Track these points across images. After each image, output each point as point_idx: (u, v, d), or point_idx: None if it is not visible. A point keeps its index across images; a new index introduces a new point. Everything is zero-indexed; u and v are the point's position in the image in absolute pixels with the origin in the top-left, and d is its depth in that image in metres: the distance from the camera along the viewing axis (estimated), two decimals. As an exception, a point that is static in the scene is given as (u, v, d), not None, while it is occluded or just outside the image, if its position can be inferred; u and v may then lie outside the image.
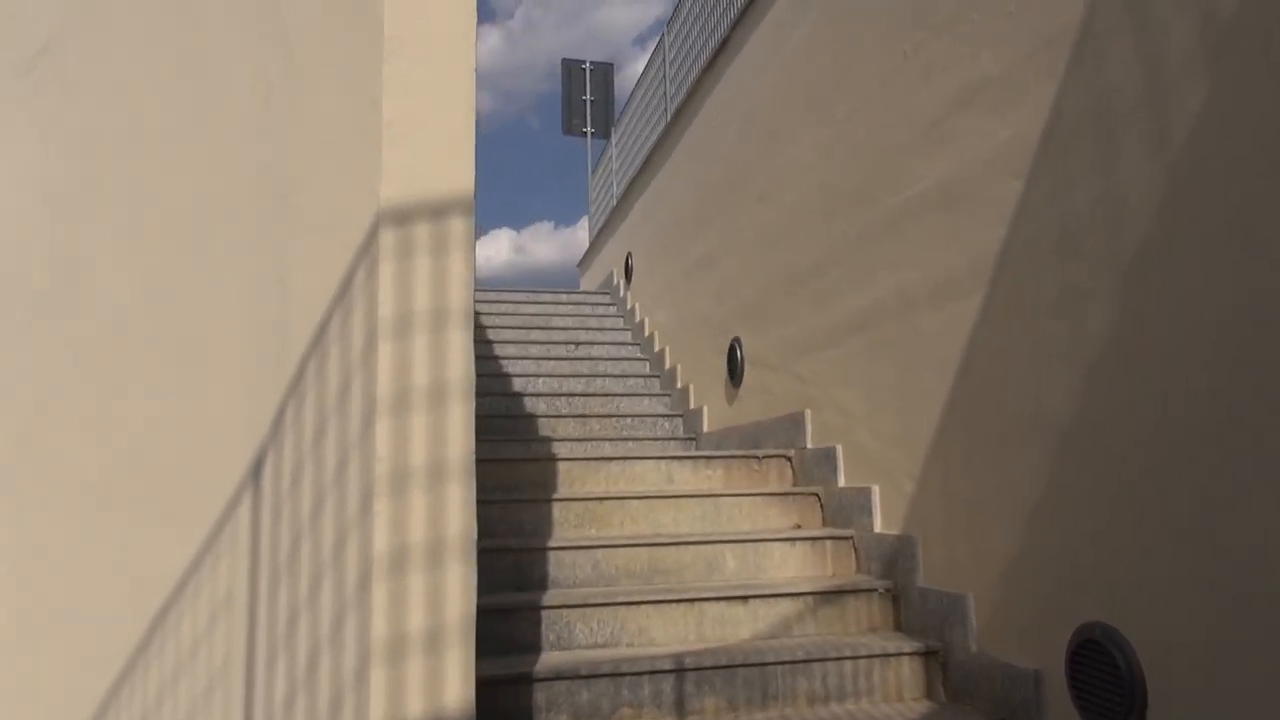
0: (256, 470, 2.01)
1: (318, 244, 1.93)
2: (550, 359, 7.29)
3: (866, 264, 3.84)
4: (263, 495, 1.98)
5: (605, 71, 11.99)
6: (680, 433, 6.26)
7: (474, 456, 1.73)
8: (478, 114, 1.86)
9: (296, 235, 2.00)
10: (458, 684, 1.65)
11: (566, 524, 3.88)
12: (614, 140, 10.00)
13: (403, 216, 1.77)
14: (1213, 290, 2.18)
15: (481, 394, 6.37)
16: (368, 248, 1.79)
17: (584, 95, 11.99)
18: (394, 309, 1.74)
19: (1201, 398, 2.20)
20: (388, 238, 1.76)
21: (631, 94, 9.08)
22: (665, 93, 7.52)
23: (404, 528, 1.67)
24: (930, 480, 3.36)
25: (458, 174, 1.81)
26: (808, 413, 4.40)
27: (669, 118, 7.18)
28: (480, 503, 3.78)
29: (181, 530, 2.17)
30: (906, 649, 3.21)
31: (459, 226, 1.80)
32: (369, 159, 1.81)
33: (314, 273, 1.91)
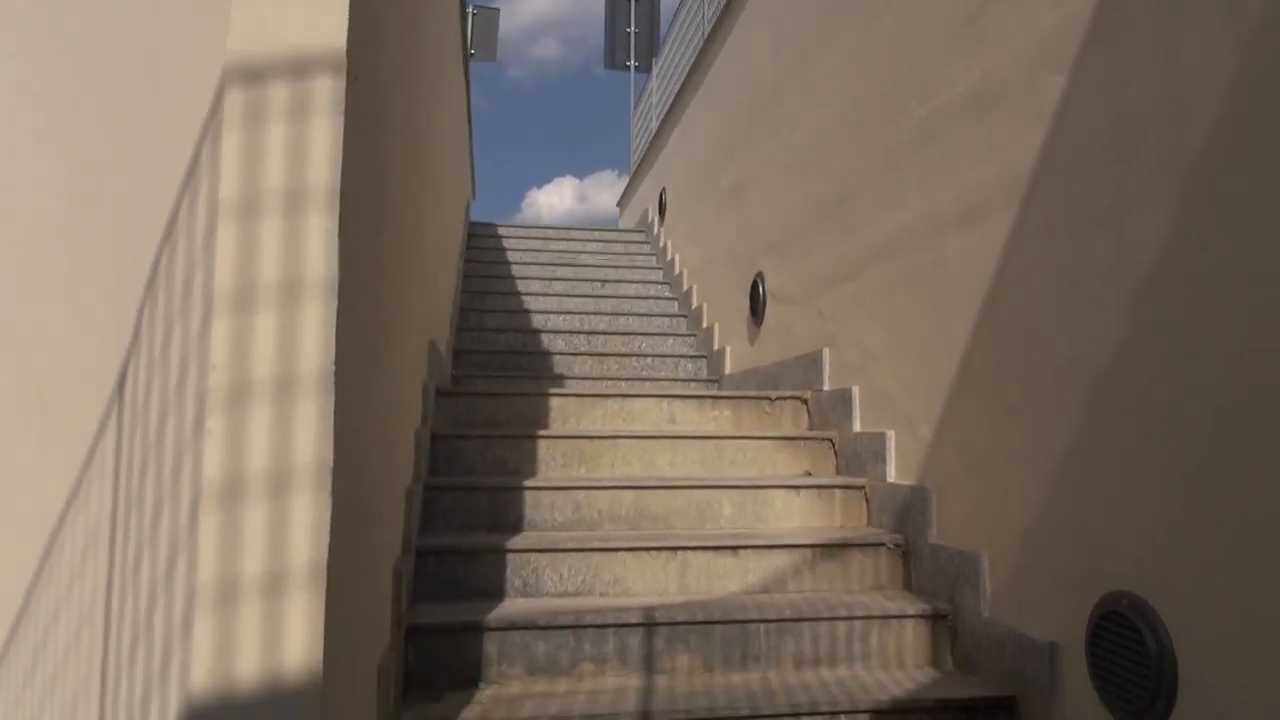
0: (121, 385, 1.74)
1: (172, 119, 1.63)
2: (574, 296, 6.98)
3: (893, 186, 3.41)
4: (125, 413, 1.71)
5: (650, 1, 11.44)
6: (704, 374, 5.92)
7: (333, 369, 1.41)
8: None
9: (154, 111, 1.70)
10: (302, 639, 1.37)
11: (552, 463, 3.59)
12: (655, 72, 9.52)
13: (252, 75, 1.45)
14: (1284, 190, 1.75)
15: (496, 330, 6.17)
16: (214, 115, 1.48)
17: (628, 27, 11.48)
18: (238, 188, 1.43)
19: (1271, 331, 1.78)
20: (234, 101, 1.45)
21: (672, 20, 8.58)
22: (703, 15, 7.03)
23: (241, 450, 1.38)
24: (949, 427, 2.97)
25: (326, 23, 1.48)
26: (826, 352, 4.01)
27: (704, 40, 6.71)
28: (459, 438, 3.57)
29: (69, 450, 1.93)
30: (911, 611, 2.86)
31: (325, 88, 1.47)
32: (221, 7, 1.48)
33: (169, 154, 1.61)
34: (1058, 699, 2.38)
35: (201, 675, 1.35)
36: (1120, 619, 2.12)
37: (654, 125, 8.83)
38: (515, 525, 3.23)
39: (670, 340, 6.33)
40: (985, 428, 2.74)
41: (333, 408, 1.42)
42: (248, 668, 1.36)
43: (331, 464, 1.41)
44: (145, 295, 1.64)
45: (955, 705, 2.54)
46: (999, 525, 2.65)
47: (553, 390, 4.01)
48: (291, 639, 1.38)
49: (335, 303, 1.44)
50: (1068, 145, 2.41)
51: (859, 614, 2.82)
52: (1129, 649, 2.08)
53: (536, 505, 3.27)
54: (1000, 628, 2.62)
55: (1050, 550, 2.42)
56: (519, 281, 7.16)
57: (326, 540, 1.40)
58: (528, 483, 3.29)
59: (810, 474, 3.74)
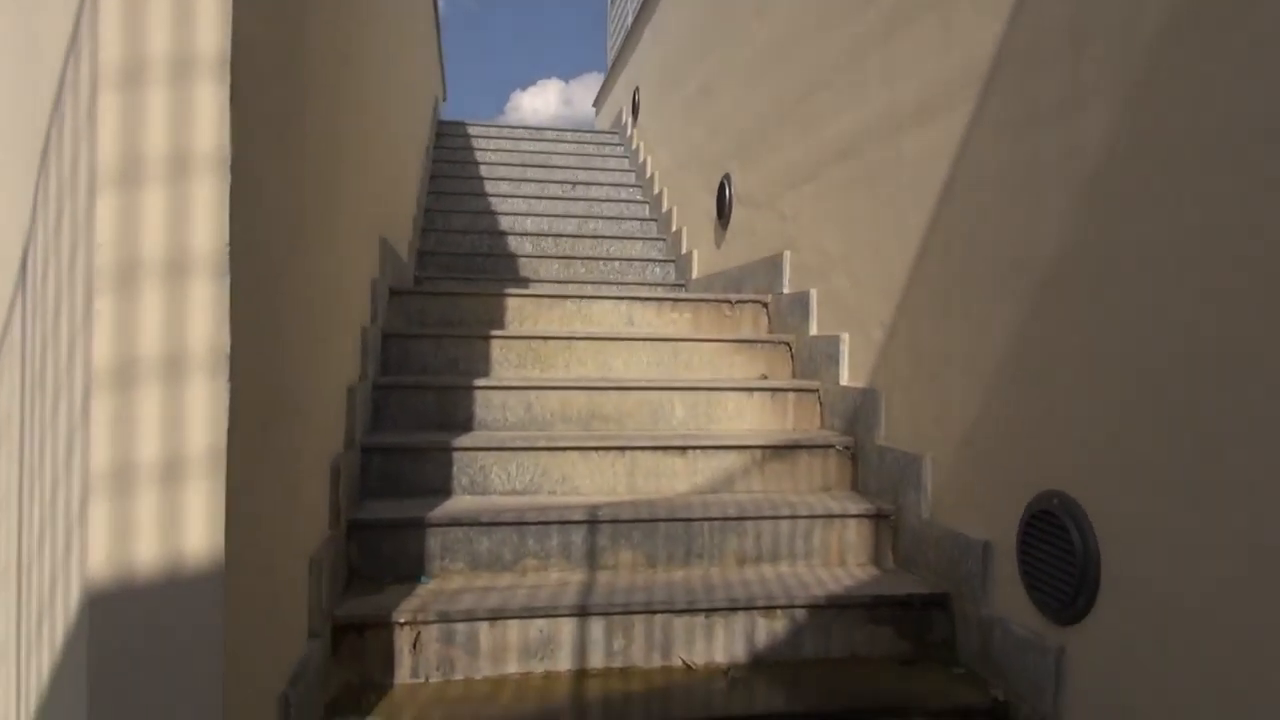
0: (23, 266, 1.67)
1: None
2: (544, 198, 6.85)
3: (857, 81, 3.30)
4: (28, 295, 1.64)
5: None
6: (671, 278, 5.86)
7: (228, 250, 1.35)
8: None
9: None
10: (203, 526, 1.35)
11: (506, 364, 3.56)
12: (632, -38, 9.14)
13: (132, -75, 1.34)
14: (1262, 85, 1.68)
15: (463, 232, 6.05)
16: (95, -29, 1.37)
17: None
18: (120, 52, 1.34)
19: (1215, 231, 1.74)
20: (112, -47, 1.34)
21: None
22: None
23: (132, 333, 1.33)
24: (900, 329, 2.94)
25: None
26: (787, 254, 3.95)
27: (678, -72, 6.41)
28: (411, 337, 3.51)
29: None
30: (854, 510, 2.88)
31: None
32: None
33: (58, 16, 1.50)
34: (989, 595, 2.42)
35: (99, 560, 1.33)
36: (1050, 518, 2.13)
37: (629, 21, 8.53)
38: (465, 425, 3.22)
39: (639, 244, 6.24)
40: (933, 330, 2.71)
41: (228, 291, 1.36)
42: (146, 554, 1.34)
43: (228, 349, 1.36)
44: (40, 171, 1.56)
45: (891, 602, 2.58)
46: (942, 427, 2.65)
47: (509, 290, 3.94)
48: (191, 526, 1.35)
49: (229, 179, 1.37)
50: (1022, 34, 2.32)
51: (802, 513, 2.85)
52: (1056, 547, 2.10)
53: (487, 405, 3.25)
54: (939, 527, 2.65)
55: (988, 452, 2.43)
56: (488, 183, 7.00)
57: (224, 428, 1.36)
58: (479, 382, 3.26)
59: (766, 377, 3.73)
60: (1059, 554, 2.09)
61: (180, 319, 1.35)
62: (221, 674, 1.36)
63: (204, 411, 1.35)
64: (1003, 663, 2.32)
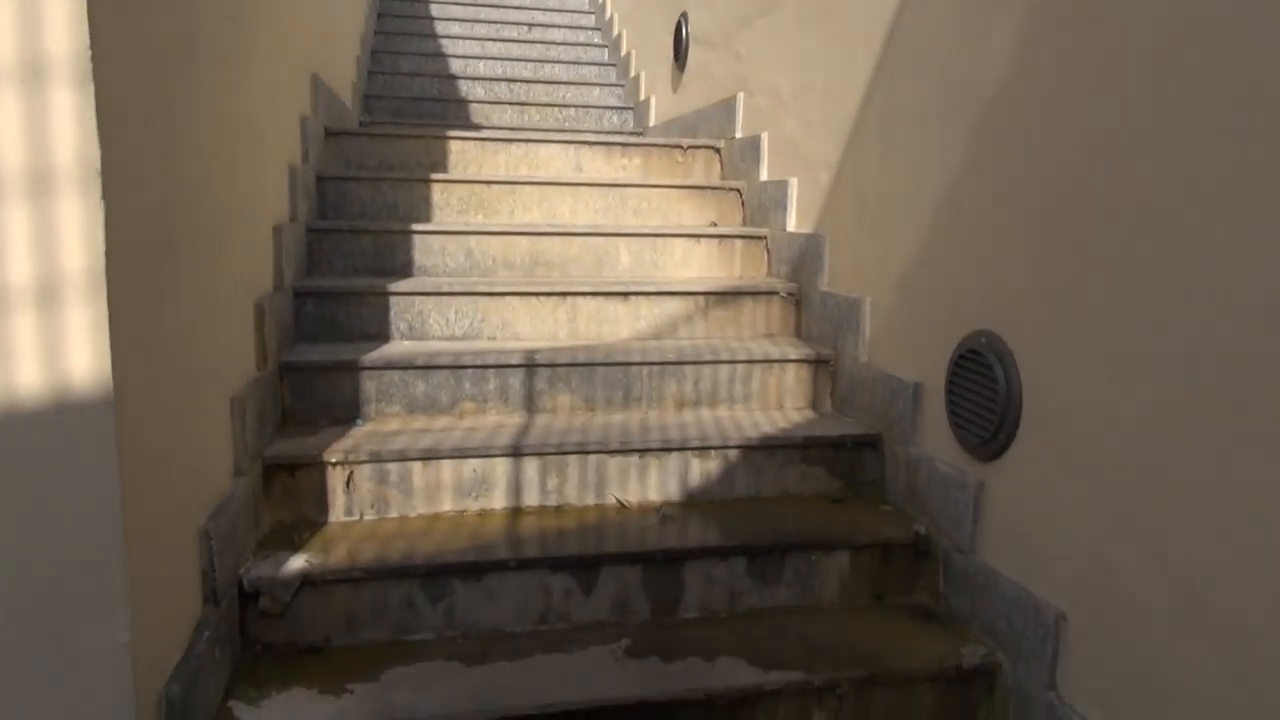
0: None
1: None
2: (498, 40, 6.52)
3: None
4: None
5: None
6: (630, 126, 5.68)
7: (89, 53, 1.25)
8: None
9: None
10: (87, 351, 1.30)
11: (447, 209, 3.45)
12: None
13: None
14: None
15: (411, 75, 5.77)
16: None
17: None
18: None
19: (1160, 71, 1.66)
20: None
21: None
22: None
23: (-10, 145, 1.23)
24: (846, 171, 2.87)
25: None
26: (740, 97, 3.81)
27: None
28: (348, 180, 3.39)
29: None
30: (794, 355, 2.89)
31: None
32: None
33: None
34: (917, 435, 2.46)
35: (-22, 387, 1.28)
36: (977, 357, 2.14)
37: None
38: (403, 270, 3.15)
39: (597, 90, 6.00)
40: (876, 172, 2.64)
41: (93, 99, 1.26)
42: (28, 380, 1.30)
43: (99, 164, 1.28)
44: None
45: (823, 443, 2.62)
46: (881, 270, 2.63)
47: (452, 133, 3.78)
48: (75, 352, 1.31)
49: (91, -22, 1.25)
50: None
51: (742, 358, 2.85)
52: (981, 385, 2.12)
53: (426, 250, 3.17)
54: (874, 370, 2.66)
55: (923, 294, 2.41)
56: (439, 24, 6.64)
57: (102, 249, 1.29)
58: (418, 227, 3.17)
59: (716, 224, 3.66)
60: (983, 392, 2.11)
61: (42, 130, 1.26)
62: (118, 501, 1.35)
63: (78, 230, 1.28)
64: (927, 499, 2.38)
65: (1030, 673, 1.97)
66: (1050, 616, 1.90)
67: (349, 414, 2.61)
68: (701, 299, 3.10)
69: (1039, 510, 1.97)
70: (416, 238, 3.15)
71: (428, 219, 3.42)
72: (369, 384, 2.61)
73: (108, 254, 1.30)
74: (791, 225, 3.26)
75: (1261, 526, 1.43)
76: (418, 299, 2.90)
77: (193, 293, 1.76)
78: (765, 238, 3.42)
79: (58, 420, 1.31)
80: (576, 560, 2.19)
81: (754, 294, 3.15)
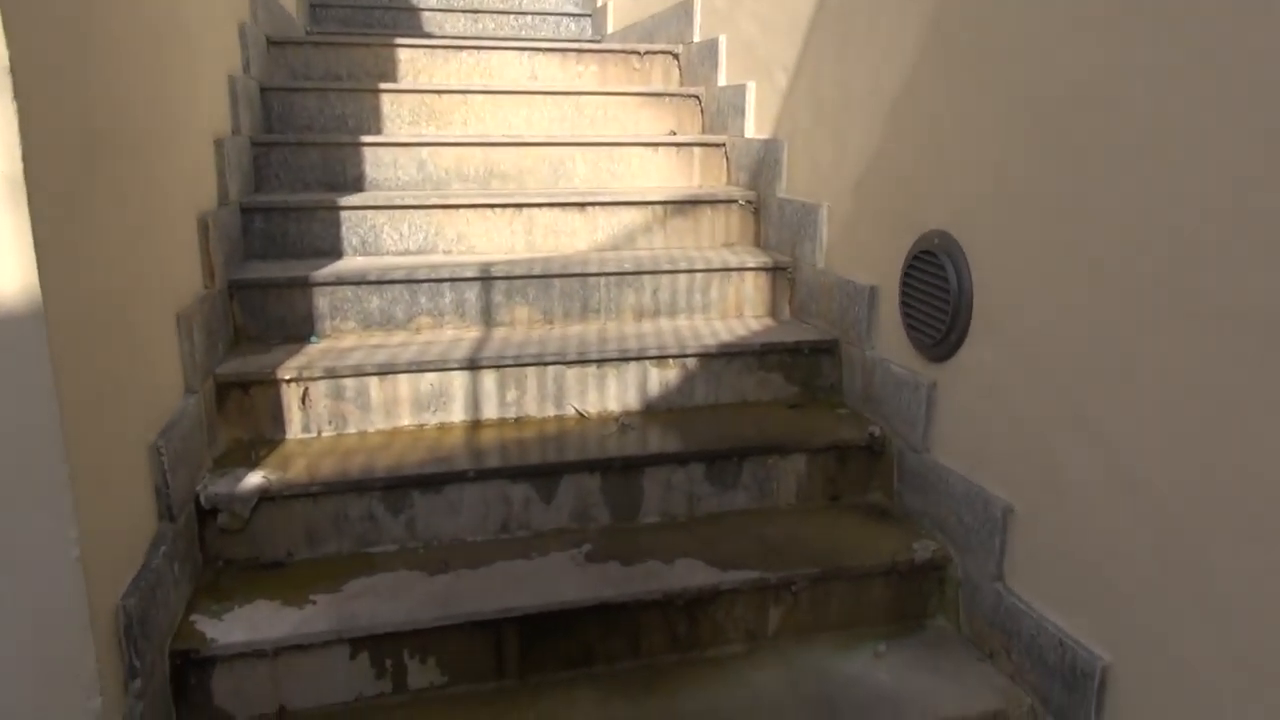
0: None
1: None
2: (449, -57, 6.25)
3: None
4: None
5: None
6: (588, 34, 5.52)
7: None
8: None
9: None
10: (11, 259, 1.26)
11: (398, 120, 3.36)
12: None
13: None
14: None
15: (358, -20, 5.52)
16: None
17: None
18: None
19: (1098, -70, 1.62)
20: None
21: None
22: None
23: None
24: (803, 72, 2.81)
25: None
26: (698, -1, 3.71)
27: None
28: (295, 91, 3.27)
29: None
30: (752, 264, 2.88)
31: None
32: None
33: None
34: (872, 338, 2.47)
35: (-101, 301, 1.24)
36: (930, 258, 2.14)
37: None
38: (354, 184, 3.07)
39: (553, -3, 5.81)
40: (834, 73, 2.59)
41: (3, -2, 1.19)
42: (-49, 293, 1.25)
43: (8, 63, 1.21)
44: None
45: (781, 349, 2.63)
46: (838, 174, 2.60)
47: (401, 41, 3.65)
48: (2, 258, 1.26)
49: None
50: None
51: (700, 267, 2.83)
52: (934, 285, 2.13)
53: (377, 163, 3.09)
54: (831, 276, 2.66)
55: (879, 196, 2.40)
56: (386, -73, 6.34)
57: (18, 152, 1.24)
58: (367, 139, 3.08)
59: (674, 133, 3.59)
60: (936, 293, 2.12)
61: (-56, 29, 1.19)
62: (57, 415, 1.32)
63: (-8, 136, 1.23)
64: (882, 401, 2.41)
65: (978, 565, 2.03)
66: (998, 510, 1.95)
67: (303, 331, 2.57)
68: (660, 209, 3.06)
69: (988, 407, 2.00)
70: (367, 150, 3.07)
71: (378, 131, 3.32)
72: (322, 300, 2.57)
73: (25, 157, 1.25)
74: (750, 131, 3.21)
75: (1197, 413, 1.46)
76: (370, 213, 2.84)
77: (127, 205, 1.71)
78: (724, 145, 3.37)
79: (-13, 334, 1.28)
80: (536, 470, 2.21)
81: (713, 203, 3.12)
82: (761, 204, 3.10)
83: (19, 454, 1.32)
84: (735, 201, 3.12)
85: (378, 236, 2.85)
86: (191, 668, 1.75)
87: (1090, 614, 1.73)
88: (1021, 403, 1.89)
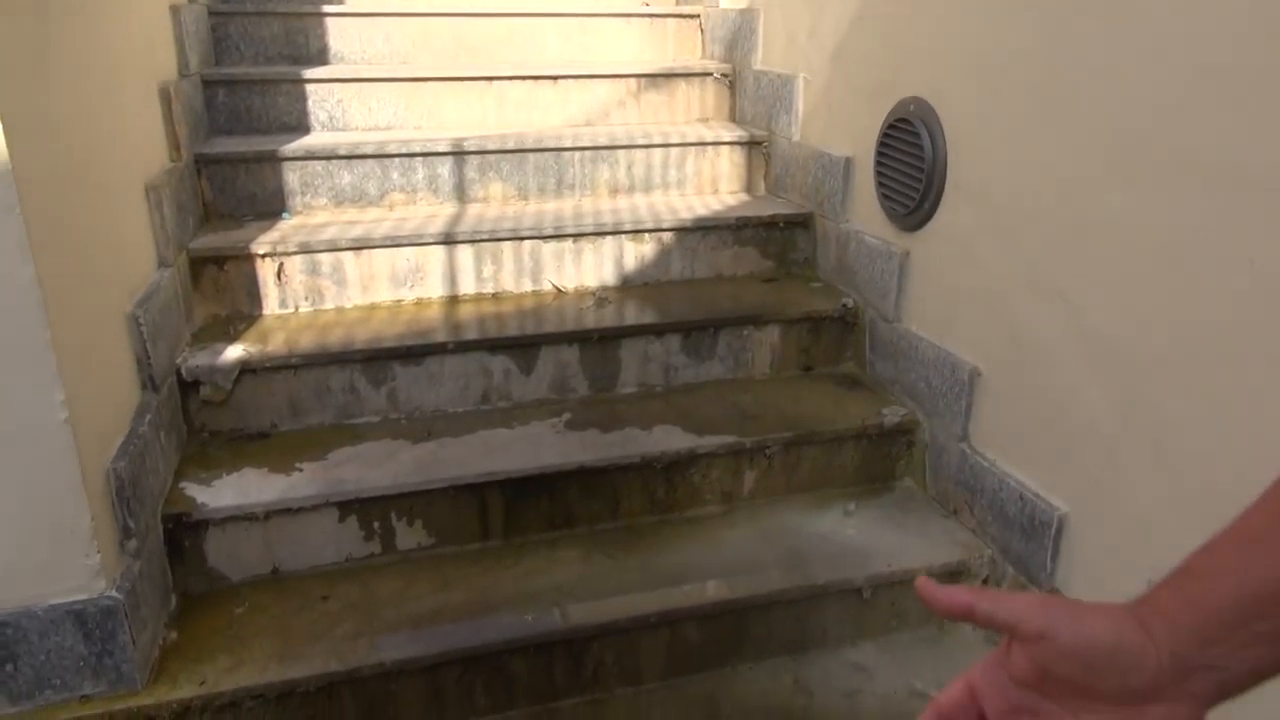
0: None
1: None
2: None
3: None
4: None
5: None
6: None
7: None
8: None
9: None
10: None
11: (361, -9, 3.23)
12: None
13: None
14: None
15: None
16: None
17: None
18: None
19: None
20: None
21: None
22: None
23: None
24: (782, -63, 2.73)
25: None
26: None
27: None
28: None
29: None
30: (727, 138, 2.85)
31: None
32: None
33: None
34: (847, 210, 2.49)
35: None
36: (905, 125, 2.14)
37: None
38: (318, 57, 2.98)
39: None
40: (814, -65, 2.52)
41: None
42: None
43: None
44: None
45: (756, 223, 2.64)
46: (815, 44, 2.56)
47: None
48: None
49: None
50: None
51: (675, 141, 2.81)
52: (909, 153, 2.13)
53: (342, 35, 2.99)
54: (806, 148, 2.65)
55: (855, 65, 2.37)
56: None
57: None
58: (330, 9, 2.97)
59: (649, 4, 3.49)
60: (911, 161, 2.13)
61: None
62: (32, 275, 1.32)
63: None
64: (856, 272, 2.44)
65: (945, 427, 2.11)
66: (965, 373, 2.02)
67: (274, 208, 2.54)
68: (633, 82, 3.01)
69: (959, 274, 2.04)
70: (330, 21, 2.97)
71: (341, 0, 3.20)
72: (292, 176, 2.53)
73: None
74: (725, 2, 3.13)
75: (1157, 272, 1.50)
76: (336, 86, 2.77)
77: (87, 69, 1.66)
78: (699, 17, 3.29)
79: (-44, 195, 1.26)
80: (515, 341, 2.23)
81: (687, 76, 3.06)
82: (737, 77, 3.05)
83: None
84: (710, 75, 3.07)
85: (345, 111, 2.79)
86: (185, 531, 1.80)
87: (1049, 469, 1.82)
88: (991, 268, 1.93)
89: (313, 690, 1.63)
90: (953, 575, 1.97)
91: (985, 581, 1.98)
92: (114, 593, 1.51)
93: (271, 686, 1.60)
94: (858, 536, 2.05)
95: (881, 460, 2.23)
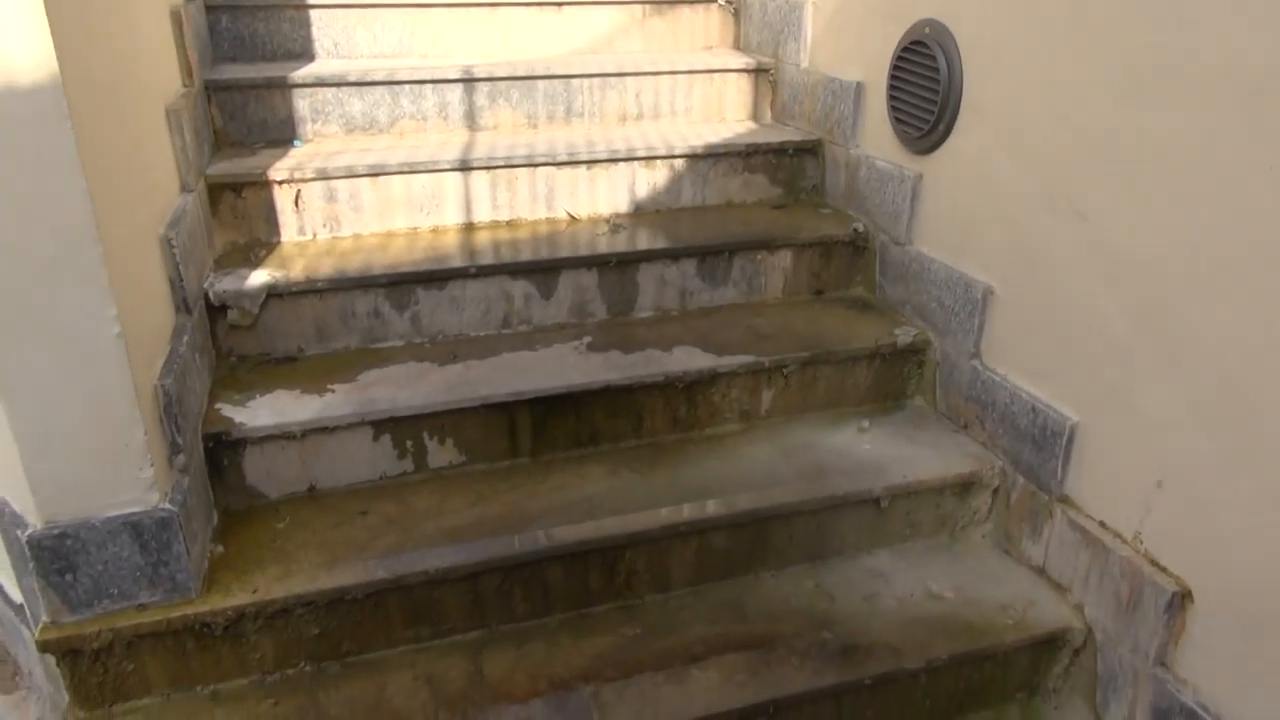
0: None
1: None
2: None
3: None
4: None
5: None
6: None
7: None
8: None
9: None
10: (28, 34, 1.23)
11: (358, -85, 3.17)
12: None
13: None
14: None
15: None
16: None
17: None
18: None
19: None
20: None
21: None
22: None
23: None
24: None
25: None
26: None
27: None
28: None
29: None
30: (734, 65, 2.86)
31: None
32: None
33: None
34: (857, 136, 2.52)
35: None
36: (920, 48, 2.16)
37: None
38: (320, -17, 2.93)
39: None
40: None
41: None
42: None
43: None
44: None
45: (766, 150, 2.67)
46: (826, -32, 2.56)
47: None
48: (13, 33, 1.23)
49: None
50: None
51: (682, 69, 2.81)
52: (924, 76, 2.16)
53: (343, -40, 2.94)
54: (816, 75, 2.66)
55: (870, -12, 2.38)
56: None
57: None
58: (329, -66, 2.91)
59: (648, -69, 3.45)
60: (925, 84, 2.15)
61: None
62: (84, 190, 1.33)
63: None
64: (866, 197, 2.48)
65: (957, 345, 2.17)
66: (979, 292, 2.07)
67: (285, 135, 2.53)
68: (638, 9, 3.00)
69: (973, 195, 2.08)
70: (330, -54, 2.91)
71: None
72: (302, 103, 2.51)
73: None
74: (729, -74, 3.11)
75: (1174, 181, 1.55)
76: (340, 13, 2.73)
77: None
78: (701, -57, 3.25)
79: (11, 106, 1.27)
80: (534, 266, 2.26)
81: (691, 3, 3.05)
82: (742, 4, 3.04)
83: (54, 230, 1.34)
84: (715, 1, 3.06)
85: (350, 38, 2.76)
86: (224, 450, 1.84)
87: (1062, 380, 1.89)
88: (1006, 188, 1.97)
89: (360, 597, 1.70)
90: (965, 486, 2.06)
91: (996, 491, 2.07)
92: (168, 505, 1.56)
93: (322, 594, 1.66)
94: (873, 451, 2.12)
95: (894, 379, 2.30)
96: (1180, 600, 1.63)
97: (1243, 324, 1.47)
